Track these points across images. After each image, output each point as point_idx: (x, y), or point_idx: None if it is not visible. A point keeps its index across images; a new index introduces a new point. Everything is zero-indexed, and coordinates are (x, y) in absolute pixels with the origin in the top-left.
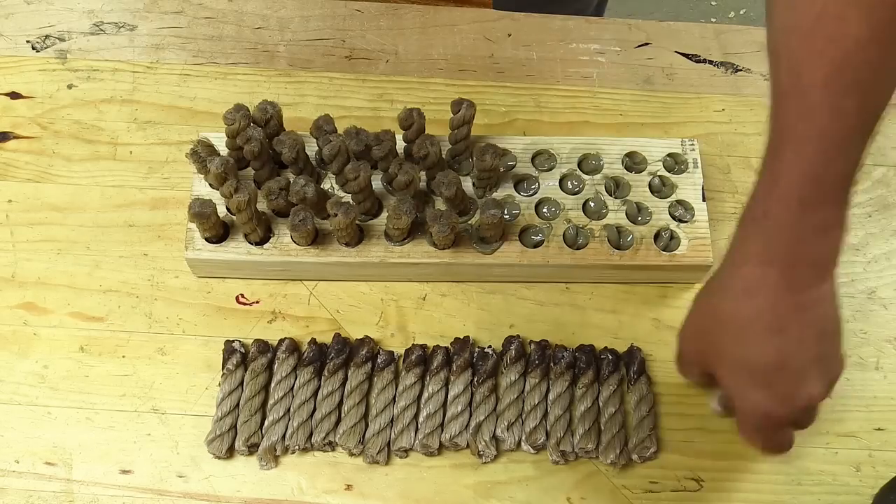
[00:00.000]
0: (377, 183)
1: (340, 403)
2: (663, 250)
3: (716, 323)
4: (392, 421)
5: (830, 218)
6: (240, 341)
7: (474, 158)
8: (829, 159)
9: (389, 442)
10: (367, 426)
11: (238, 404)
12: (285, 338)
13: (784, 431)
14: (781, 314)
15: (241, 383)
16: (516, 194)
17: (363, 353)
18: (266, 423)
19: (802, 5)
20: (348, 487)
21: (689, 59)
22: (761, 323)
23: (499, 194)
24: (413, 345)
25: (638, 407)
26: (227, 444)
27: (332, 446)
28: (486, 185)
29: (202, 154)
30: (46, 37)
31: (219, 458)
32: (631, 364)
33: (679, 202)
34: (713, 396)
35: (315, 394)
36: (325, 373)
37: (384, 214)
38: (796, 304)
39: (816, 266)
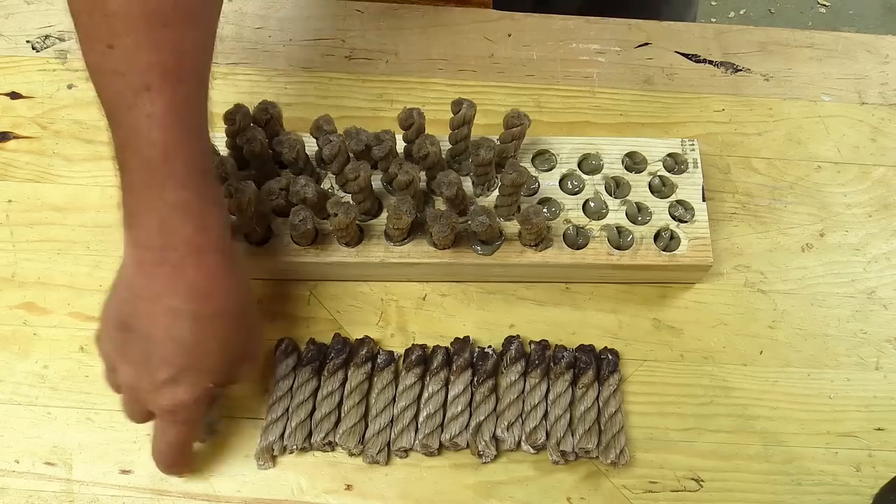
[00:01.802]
0: (377, 183)
1: (340, 403)
2: (663, 250)
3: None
4: (392, 421)
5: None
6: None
7: (470, 152)
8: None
9: (389, 442)
10: (366, 426)
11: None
12: (284, 338)
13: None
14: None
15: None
16: None
17: (363, 353)
18: (264, 422)
19: None
20: (348, 487)
21: (689, 59)
22: (119, 288)
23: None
24: (413, 345)
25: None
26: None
27: (331, 446)
28: (485, 182)
29: None
30: (46, 37)
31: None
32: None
33: (679, 202)
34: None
35: (314, 394)
36: (325, 373)
37: (384, 214)
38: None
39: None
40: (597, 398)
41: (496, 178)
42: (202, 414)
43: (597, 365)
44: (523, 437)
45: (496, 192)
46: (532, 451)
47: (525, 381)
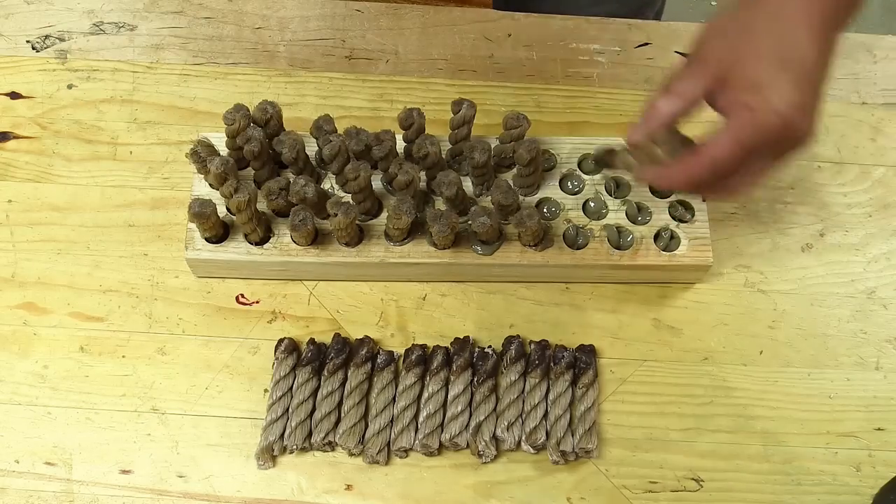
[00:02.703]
0: (377, 183)
1: (340, 403)
2: (663, 250)
3: (748, 29)
4: (392, 421)
5: None
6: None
7: (465, 156)
8: None
9: (389, 442)
10: (366, 426)
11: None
12: (284, 338)
13: (759, 160)
14: (817, 36)
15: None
16: None
17: (363, 353)
18: (264, 422)
19: None
20: (348, 487)
21: None
22: (803, 26)
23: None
24: (413, 345)
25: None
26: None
27: (331, 446)
28: (484, 182)
29: (202, 154)
30: (46, 37)
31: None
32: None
33: (679, 202)
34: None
35: (314, 394)
36: (325, 373)
37: (384, 214)
38: (827, 39)
39: (839, 19)
40: (597, 398)
41: (495, 176)
42: None
43: (596, 365)
44: (523, 437)
45: (514, 171)
46: (532, 451)
47: (525, 381)
